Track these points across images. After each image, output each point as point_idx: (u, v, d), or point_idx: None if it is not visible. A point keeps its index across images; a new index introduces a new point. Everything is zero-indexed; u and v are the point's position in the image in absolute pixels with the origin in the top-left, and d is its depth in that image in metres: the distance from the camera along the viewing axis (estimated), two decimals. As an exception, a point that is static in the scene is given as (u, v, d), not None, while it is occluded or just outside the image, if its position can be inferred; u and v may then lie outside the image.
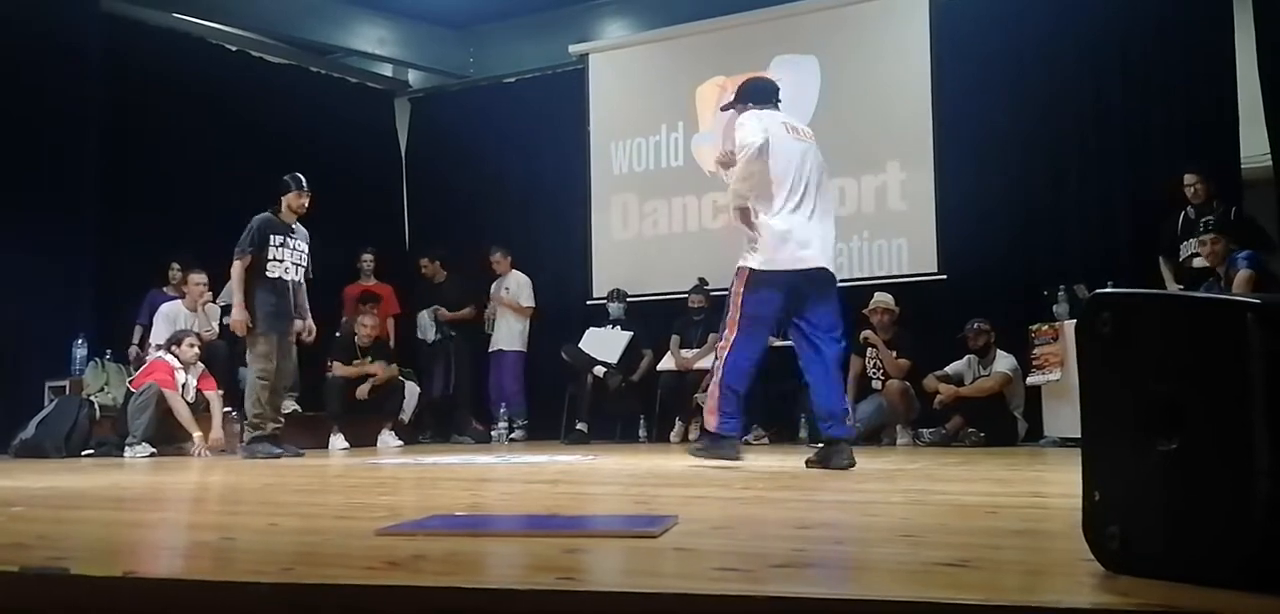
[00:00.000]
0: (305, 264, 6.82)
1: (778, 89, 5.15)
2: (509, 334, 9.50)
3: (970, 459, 5.54)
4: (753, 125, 4.70)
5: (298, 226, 6.79)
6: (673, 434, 8.58)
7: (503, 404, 9.35)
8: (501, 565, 1.94)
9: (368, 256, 9.61)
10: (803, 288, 4.76)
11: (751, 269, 4.71)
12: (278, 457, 6.39)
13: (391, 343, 9.29)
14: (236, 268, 6.57)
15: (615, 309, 9.19)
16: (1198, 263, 6.81)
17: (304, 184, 6.74)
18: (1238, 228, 6.76)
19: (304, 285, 6.89)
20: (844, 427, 4.80)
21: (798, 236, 4.68)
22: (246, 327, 6.54)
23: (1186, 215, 7.08)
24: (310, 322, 6.94)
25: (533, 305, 9.54)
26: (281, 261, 6.63)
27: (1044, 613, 1.37)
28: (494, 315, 9.57)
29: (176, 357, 7.19)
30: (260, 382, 6.54)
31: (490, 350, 9.55)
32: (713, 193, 9.48)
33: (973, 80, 8.41)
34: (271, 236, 6.60)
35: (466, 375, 9.47)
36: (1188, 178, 7.07)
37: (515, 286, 9.52)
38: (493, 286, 9.59)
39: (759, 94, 5.05)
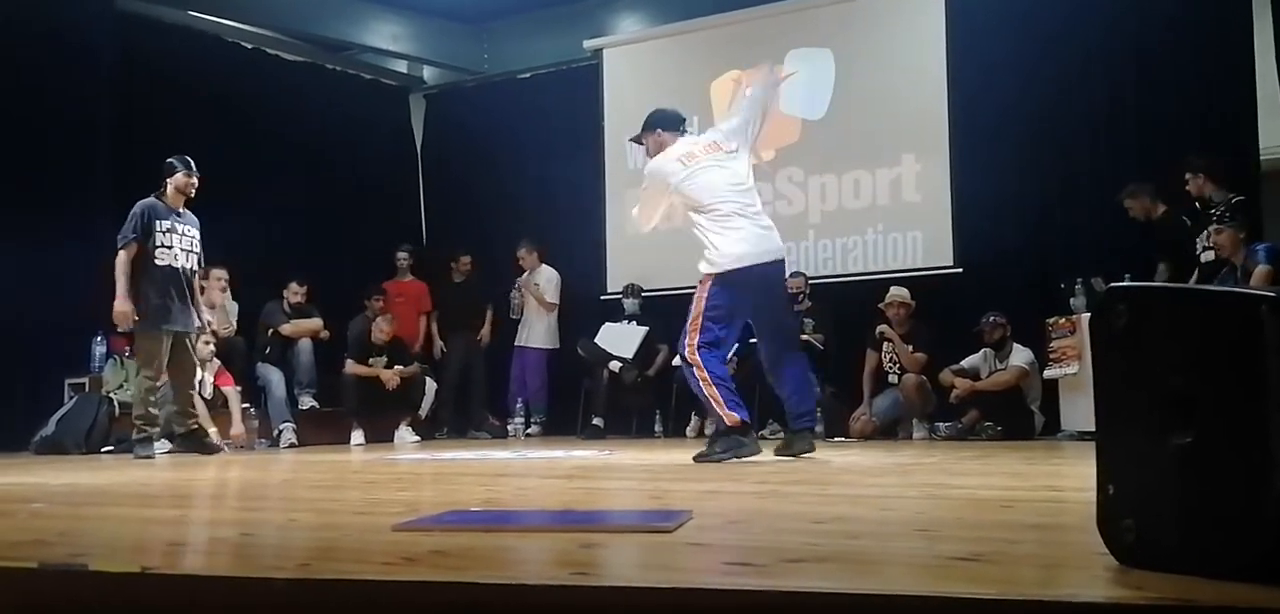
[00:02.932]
0: (198, 252, 6.55)
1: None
2: (535, 330, 9.51)
3: (986, 453, 5.52)
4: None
5: (186, 212, 6.51)
6: (689, 429, 8.58)
7: (520, 399, 9.37)
8: (517, 560, 1.95)
9: (403, 254, 9.65)
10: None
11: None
12: (187, 450, 6.40)
13: (422, 339, 9.35)
14: (120, 258, 6.24)
15: (631, 304, 9.19)
16: (1205, 258, 6.73)
17: (192, 166, 6.48)
18: (1249, 220, 6.66)
19: (195, 276, 6.62)
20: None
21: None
22: (131, 319, 6.26)
23: (1196, 210, 7.00)
24: (200, 320, 6.68)
25: (555, 302, 9.53)
26: (170, 248, 6.33)
27: (1059, 607, 1.37)
28: (522, 307, 9.58)
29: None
30: (146, 382, 6.30)
31: (516, 344, 9.55)
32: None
33: (988, 72, 8.37)
34: (157, 222, 6.30)
35: (483, 370, 9.50)
36: (1187, 176, 6.97)
37: (543, 281, 9.53)
38: (520, 279, 9.59)
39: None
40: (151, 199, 6.38)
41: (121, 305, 6.21)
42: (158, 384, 6.35)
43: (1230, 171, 7.02)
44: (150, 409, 6.30)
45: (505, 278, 9.66)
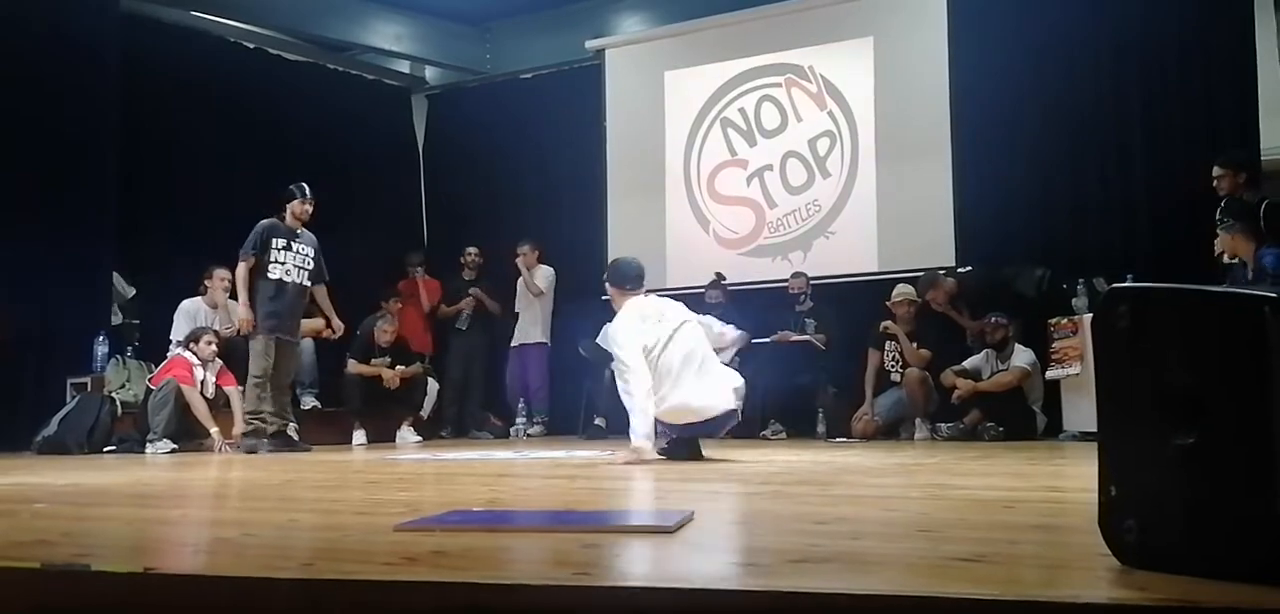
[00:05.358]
0: (311, 267, 7.09)
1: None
2: (533, 327, 9.50)
3: (988, 454, 5.52)
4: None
5: (303, 232, 7.09)
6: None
7: (521, 399, 9.37)
8: (519, 561, 1.95)
9: (416, 260, 9.68)
10: None
11: None
12: (277, 450, 6.71)
13: (428, 338, 9.38)
14: (241, 270, 6.89)
15: (633, 304, 9.16)
16: (1227, 260, 6.66)
17: (308, 192, 7.04)
18: (1266, 218, 6.53)
19: (319, 289, 7.26)
20: None
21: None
22: (251, 324, 6.86)
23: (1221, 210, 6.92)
24: (336, 321, 7.42)
25: (542, 292, 9.51)
26: (283, 264, 6.92)
27: (1061, 608, 1.37)
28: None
29: (195, 354, 7.23)
30: (255, 381, 6.85)
31: (513, 345, 9.54)
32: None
33: (990, 73, 8.36)
34: (273, 240, 6.90)
35: (482, 370, 9.49)
36: (1214, 170, 6.81)
37: (542, 282, 9.52)
38: (520, 283, 9.58)
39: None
40: (272, 219, 6.97)
41: (244, 312, 6.88)
42: (262, 379, 6.83)
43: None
44: (261, 407, 6.82)
45: (506, 278, 9.65)
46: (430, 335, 9.56)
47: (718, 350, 5.34)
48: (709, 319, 5.55)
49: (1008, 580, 1.59)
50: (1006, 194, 8.19)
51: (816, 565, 1.74)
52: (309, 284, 7.13)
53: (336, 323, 7.43)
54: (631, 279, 5.47)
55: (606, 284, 5.53)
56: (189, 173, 9.12)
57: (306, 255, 7.06)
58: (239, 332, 7.10)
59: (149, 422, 7.07)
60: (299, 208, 7.00)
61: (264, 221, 6.94)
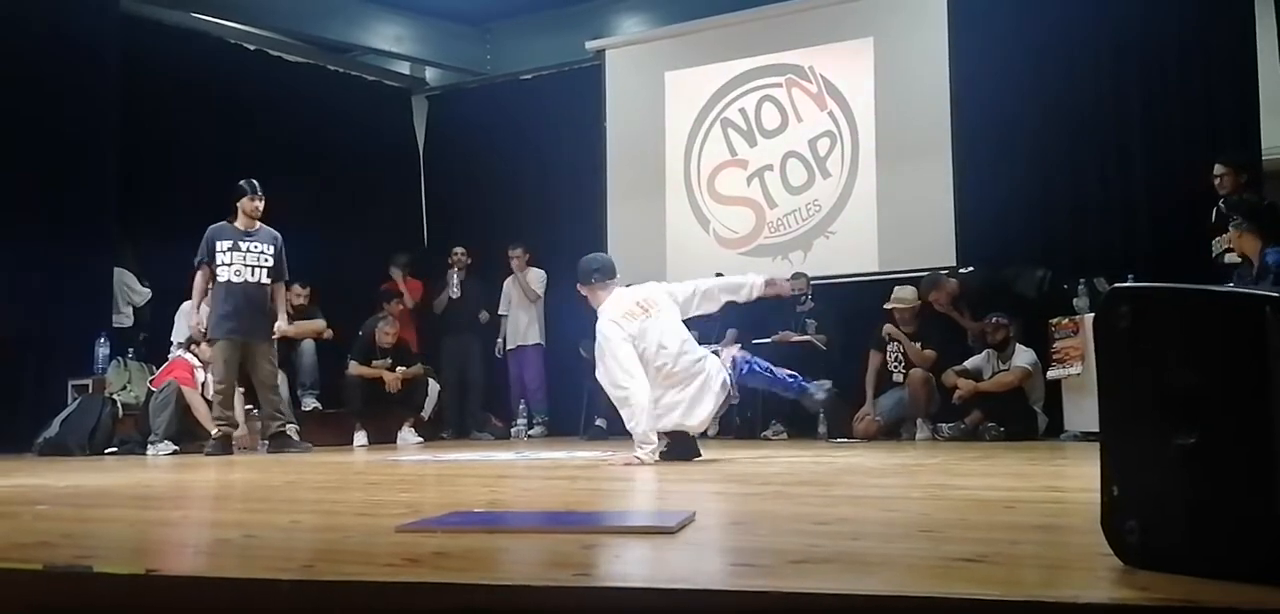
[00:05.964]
0: (270, 265, 6.99)
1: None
2: (530, 329, 9.50)
3: (990, 454, 5.51)
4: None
5: (260, 229, 7.00)
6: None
7: (522, 400, 9.37)
8: (520, 562, 1.95)
9: (400, 265, 9.65)
10: None
11: None
12: (275, 451, 6.86)
13: (415, 338, 9.36)
14: (196, 279, 6.95)
15: (633, 305, 9.16)
16: (1230, 258, 6.65)
17: (258, 188, 6.99)
18: (1269, 218, 6.53)
19: (278, 287, 7.10)
20: None
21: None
22: (200, 330, 6.98)
23: (1218, 209, 6.92)
24: (282, 322, 7.15)
25: (539, 296, 9.51)
26: (230, 265, 6.86)
27: (1062, 608, 1.37)
28: (507, 312, 9.59)
29: (196, 355, 7.24)
30: (216, 388, 6.87)
31: (509, 347, 9.56)
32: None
33: (991, 72, 8.35)
34: (217, 243, 6.87)
35: (480, 372, 9.49)
36: (1216, 169, 6.79)
37: (534, 282, 9.52)
38: (506, 283, 9.59)
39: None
40: (221, 223, 6.96)
41: (194, 318, 7.04)
42: (221, 387, 6.83)
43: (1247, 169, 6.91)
44: (226, 413, 6.84)
45: (500, 280, 9.66)
46: (416, 335, 9.53)
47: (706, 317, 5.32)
48: (687, 288, 5.46)
49: (1009, 581, 1.59)
50: (1007, 194, 8.18)
51: (817, 566, 1.74)
52: (268, 282, 7.01)
53: (283, 326, 7.21)
54: (598, 272, 5.34)
55: (579, 289, 5.42)
56: (189, 174, 9.11)
57: (263, 253, 6.95)
58: (193, 341, 7.18)
59: (150, 423, 7.07)
60: (249, 205, 6.91)
61: (210, 226, 6.94)
